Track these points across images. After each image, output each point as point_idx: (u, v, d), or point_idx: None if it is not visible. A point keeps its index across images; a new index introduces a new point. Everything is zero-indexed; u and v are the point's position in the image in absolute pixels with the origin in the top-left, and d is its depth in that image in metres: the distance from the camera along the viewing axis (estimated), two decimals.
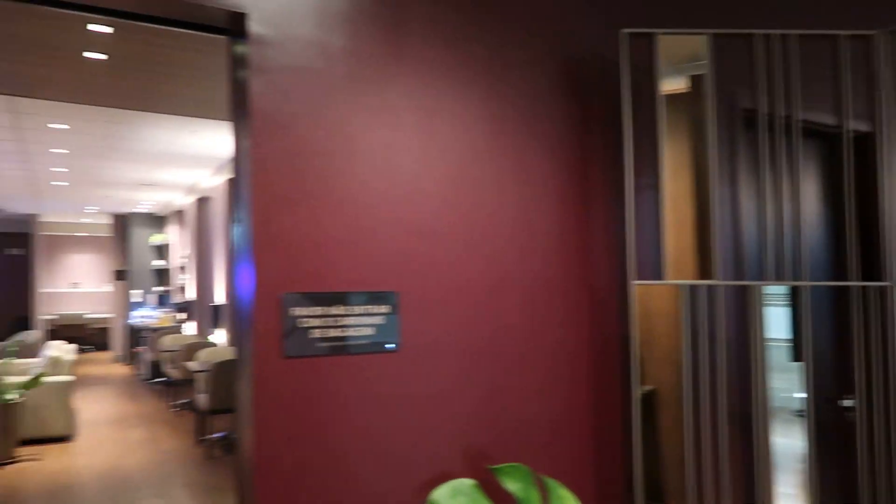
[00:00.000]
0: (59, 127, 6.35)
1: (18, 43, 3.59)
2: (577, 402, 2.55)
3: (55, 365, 7.32)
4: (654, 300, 2.66)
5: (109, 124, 6.29)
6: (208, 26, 2.14)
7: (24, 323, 14.03)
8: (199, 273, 11.09)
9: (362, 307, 2.13)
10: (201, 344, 8.30)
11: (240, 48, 2.07)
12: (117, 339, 13.59)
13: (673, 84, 2.48)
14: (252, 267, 1.97)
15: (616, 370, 2.64)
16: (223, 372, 6.47)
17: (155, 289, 13.18)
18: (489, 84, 2.42)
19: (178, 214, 12.84)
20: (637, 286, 2.59)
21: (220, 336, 9.29)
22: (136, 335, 12.08)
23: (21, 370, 7.99)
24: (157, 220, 13.52)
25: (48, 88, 4.43)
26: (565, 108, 2.58)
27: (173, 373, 8.63)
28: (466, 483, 2.11)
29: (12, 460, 6.29)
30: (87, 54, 3.77)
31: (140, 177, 9.12)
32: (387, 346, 2.17)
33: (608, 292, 2.63)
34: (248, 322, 2.00)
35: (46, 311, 14.59)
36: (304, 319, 2.03)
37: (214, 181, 9.44)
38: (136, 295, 13.03)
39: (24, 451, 6.61)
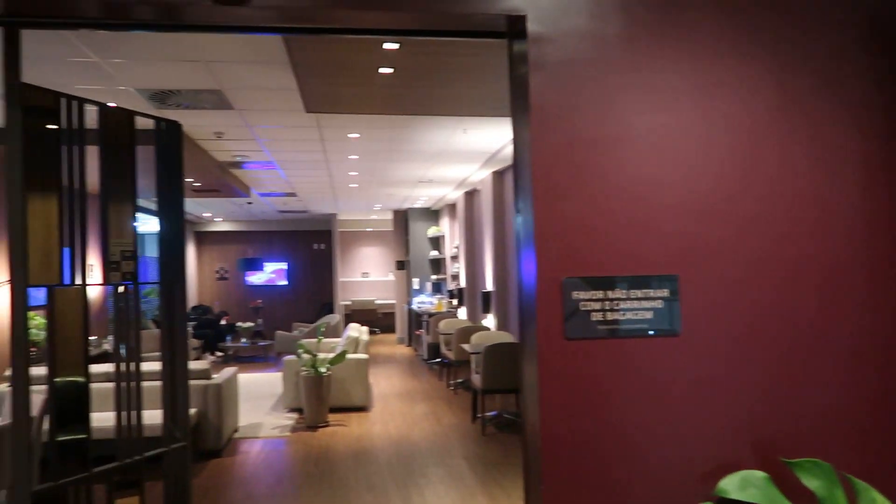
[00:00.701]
0: (353, 136, 7.28)
1: (328, 67, 4.22)
2: (892, 397, 2.26)
3: (355, 344, 8.40)
4: None
5: (393, 130, 7.03)
6: (489, 32, 2.32)
7: (328, 307, 16.29)
8: (468, 262, 11.86)
9: (641, 291, 2.14)
10: (474, 328, 8.87)
11: (518, 47, 2.21)
12: (400, 323, 15.11)
13: None
14: (534, 253, 2.10)
15: None
16: (495, 354, 6.85)
17: (432, 277, 14.40)
18: (775, 51, 2.25)
19: (450, 208, 13.84)
20: None
21: (489, 320, 9.84)
22: (416, 319, 13.30)
23: (328, 348, 9.31)
24: (431, 214, 14.73)
25: (349, 104, 5.13)
26: (871, 65, 2.29)
27: (449, 354, 9.36)
28: (757, 475, 2.02)
29: (326, 424, 7.38)
30: (381, 70, 4.30)
31: (418, 175, 10.03)
32: (666, 330, 2.15)
33: None
34: (532, 305, 2.13)
35: (343, 297, 16.77)
36: (585, 303, 2.11)
37: (481, 175, 10.01)
38: (415, 283, 14.37)
39: (333, 417, 7.70)
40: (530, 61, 2.11)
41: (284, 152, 8.17)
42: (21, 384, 2.21)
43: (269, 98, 5.64)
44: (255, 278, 17.59)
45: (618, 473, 2.12)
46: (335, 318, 13.03)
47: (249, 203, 13.07)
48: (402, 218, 15.04)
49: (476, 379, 7.17)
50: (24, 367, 2.19)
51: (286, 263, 17.79)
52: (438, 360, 10.95)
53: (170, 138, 3.58)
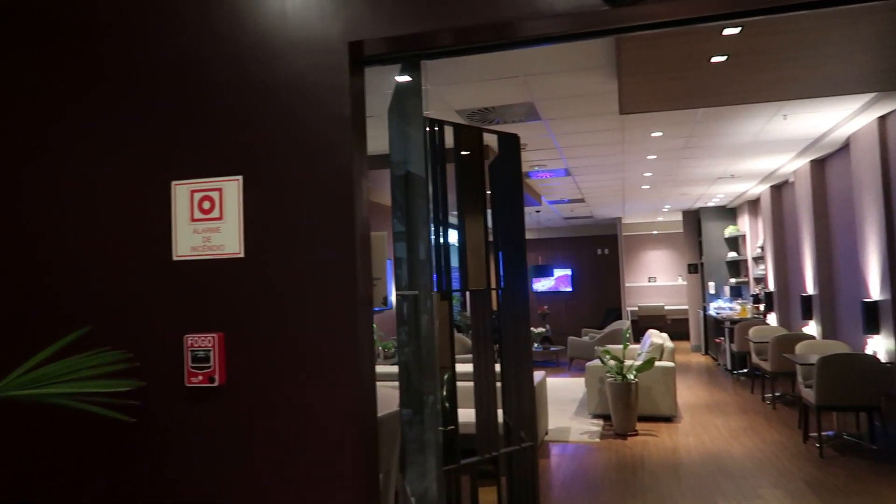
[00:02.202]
0: (656, 135, 7.03)
1: (654, 64, 4.09)
2: None
3: (660, 351, 8.09)
4: None
5: (697, 125, 6.63)
6: None
7: (614, 313, 16.06)
8: (777, 263, 10.74)
9: None
10: (795, 336, 7.98)
11: None
12: (694, 330, 14.25)
13: None
14: None
15: None
16: (833, 367, 6.06)
17: (730, 280, 13.32)
18: None
19: (750, 204, 12.70)
20: None
21: (811, 328, 8.78)
22: (714, 326, 12.41)
23: (630, 355, 9.11)
24: (726, 213, 13.66)
25: (666, 100, 4.93)
26: None
27: (763, 364, 8.54)
28: None
29: (635, 433, 7.20)
30: (713, 59, 4.04)
31: (719, 170, 9.35)
32: None
33: None
34: None
35: (629, 302, 16.38)
36: None
37: (794, 165, 8.99)
38: (710, 287, 13.43)
39: (641, 426, 7.48)
40: None
41: (580, 158, 8.21)
42: (433, 379, 2.45)
43: (579, 105, 5.69)
44: (540, 285, 18.03)
45: None
46: (625, 324, 12.76)
47: (538, 211, 13.42)
48: (694, 218, 14.21)
49: (807, 393, 6.41)
50: (435, 360, 2.42)
51: (570, 270, 17.96)
52: (746, 370, 10.08)
53: (511, 150, 3.77)
